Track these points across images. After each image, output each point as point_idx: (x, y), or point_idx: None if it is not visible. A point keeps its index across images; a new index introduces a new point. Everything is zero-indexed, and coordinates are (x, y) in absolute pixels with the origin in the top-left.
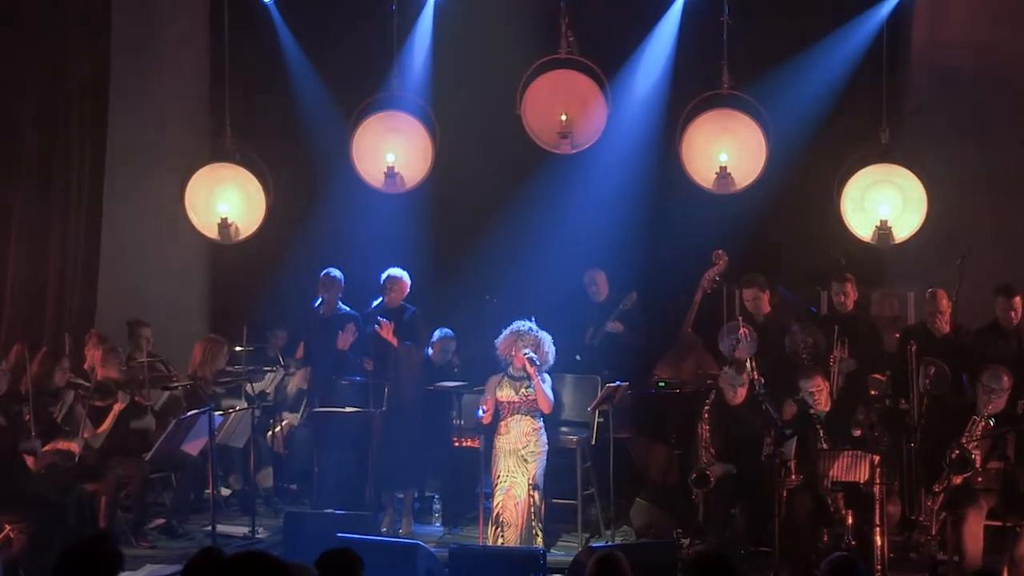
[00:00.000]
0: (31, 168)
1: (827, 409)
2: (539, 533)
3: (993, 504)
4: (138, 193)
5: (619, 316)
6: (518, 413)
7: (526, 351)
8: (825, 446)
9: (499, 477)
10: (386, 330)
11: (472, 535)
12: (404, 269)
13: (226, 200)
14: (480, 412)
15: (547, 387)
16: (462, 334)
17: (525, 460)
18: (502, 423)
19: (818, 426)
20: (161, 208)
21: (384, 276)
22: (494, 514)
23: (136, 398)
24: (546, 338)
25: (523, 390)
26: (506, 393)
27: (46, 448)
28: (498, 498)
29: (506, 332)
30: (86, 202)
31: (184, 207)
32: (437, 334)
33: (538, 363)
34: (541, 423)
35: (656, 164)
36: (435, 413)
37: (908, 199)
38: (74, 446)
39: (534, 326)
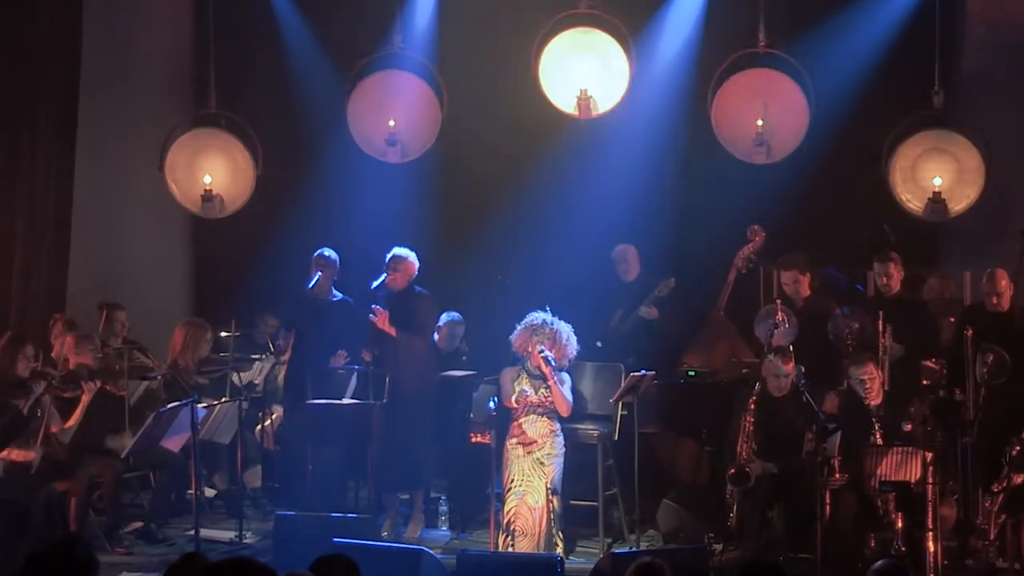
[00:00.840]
0: None
1: (879, 401)
2: (560, 541)
3: None
4: (113, 162)
5: (654, 303)
6: (534, 413)
7: (541, 349)
8: (880, 442)
9: (512, 481)
10: (381, 319)
11: (482, 540)
12: (410, 249)
13: (210, 170)
14: (492, 404)
15: (566, 388)
16: (471, 318)
17: (541, 463)
18: (515, 424)
19: (873, 419)
20: (138, 179)
21: (389, 255)
22: (505, 521)
23: (108, 387)
24: (564, 331)
25: (542, 390)
26: (523, 389)
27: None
28: (511, 503)
29: (520, 327)
30: (55, 172)
31: (164, 177)
32: (444, 318)
33: (554, 364)
34: (558, 425)
35: (685, 130)
36: (442, 405)
37: (964, 169)
38: (31, 454)
39: (550, 318)
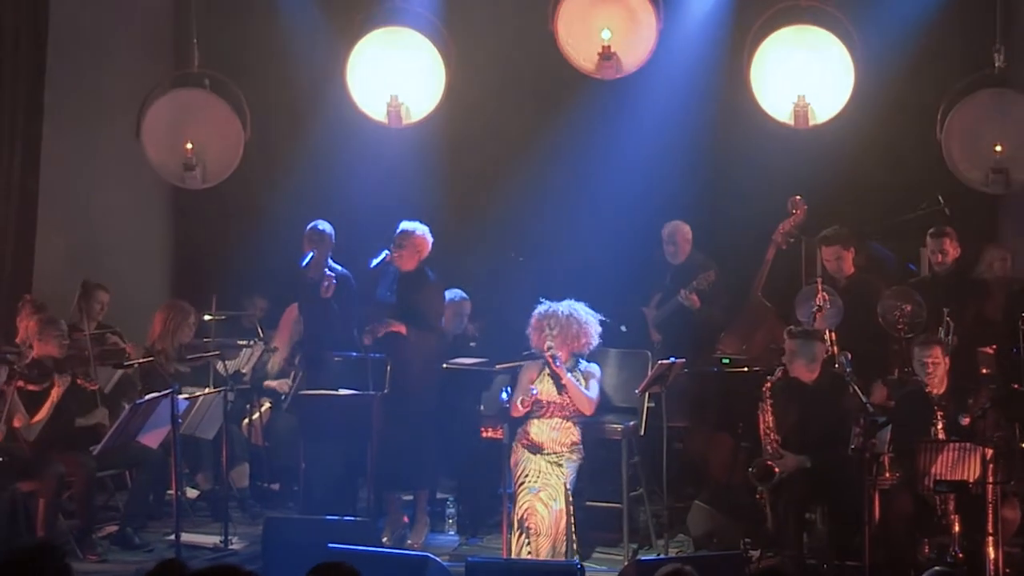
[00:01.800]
0: None
1: (943, 390)
2: (576, 548)
3: None
4: (84, 127)
5: (693, 291)
6: (556, 417)
7: (549, 346)
8: (943, 435)
9: (526, 476)
10: (388, 327)
11: (494, 546)
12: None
13: (193, 136)
14: (505, 395)
15: (593, 383)
16: (483, 300)
17: (558, 464)
18: (532, 421)
19: (936, 409)
20: (113, 146)
21: (398, 230)
22: (517, 518)
23: (79, 380)
24: (574, 318)
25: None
26: (547, 388)
27: None
28: (523, 501)
29: (531, 322)
30: (20, 138)
31: (141, 144)
32: (447, 296)
33: (560, 363)
34: (580, 432)
35: (719, 92)
36: (449, 396)
37: None
38: None
39: (553, 306)
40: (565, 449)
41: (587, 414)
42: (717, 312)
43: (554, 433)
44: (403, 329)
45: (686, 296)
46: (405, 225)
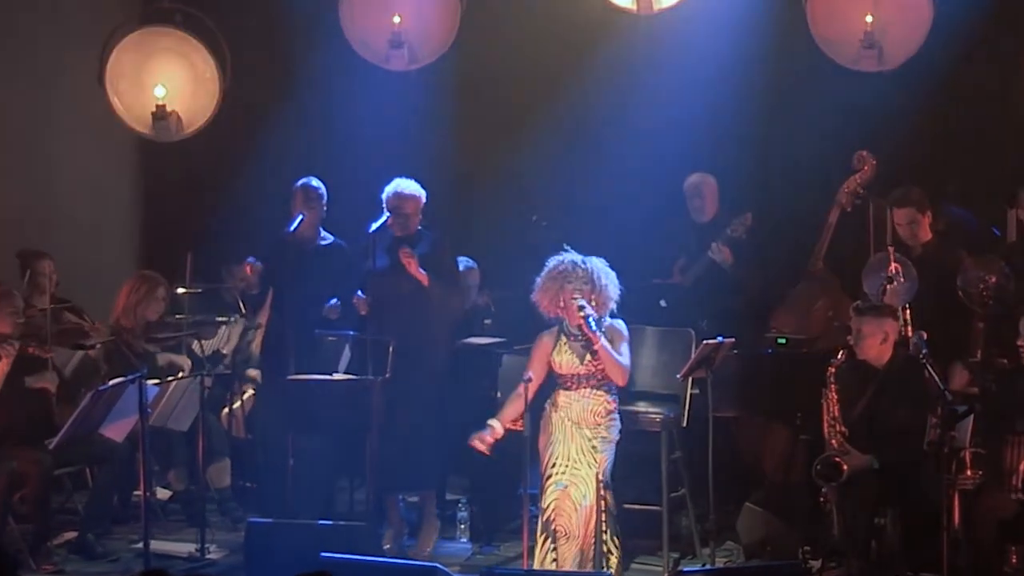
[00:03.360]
0: None
1: None
2: (614, 550)
3: None
4: (39, 70)
5: (726, 243)
6: (585, 387)
7: (581, 305)
8: None
9: (553, 466)
10: (411, 264)
11: (512, 554)
12: (415, 180)
13: (164, 80)
14: (528, 377)
15: (624, 347)
16: (498, 270)
17: (594, 448)
18: (560, 392)
19: None
20: (71, 92)
21: (389, 191)
22: (542, 519)
23: (30, 349)
24: (598, 269)
25: (589, 357)
26: (566, 360)
27: None
28: (550, 498)
29: (542, 278)
30: None
31: (104, 90)
32: None
33: (595, 326)
34: (616, 400)
35: (773, 30)
36: (461, 381)
37: None
38: None
39: (578, 256)
40: (603, 423)
41: (620, 384)
42: (753, 271)
43: (585, 401)
44: (425, 279)
45: (718, 249)
46: (404, 187)
